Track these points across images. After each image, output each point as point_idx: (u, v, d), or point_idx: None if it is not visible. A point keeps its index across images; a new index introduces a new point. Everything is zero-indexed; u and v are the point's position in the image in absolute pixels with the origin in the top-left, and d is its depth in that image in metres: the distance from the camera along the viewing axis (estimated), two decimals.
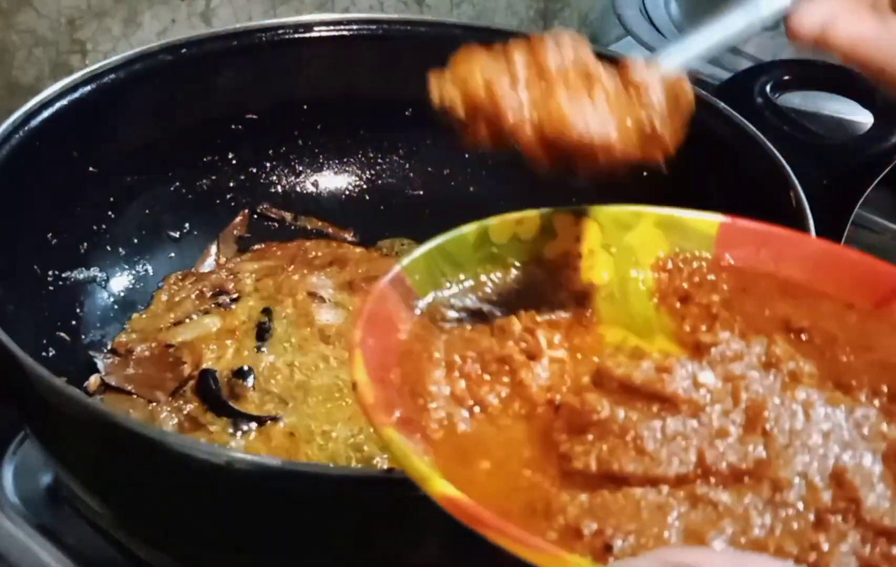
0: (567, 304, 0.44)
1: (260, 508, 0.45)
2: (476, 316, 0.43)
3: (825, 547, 0.32)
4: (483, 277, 0.45)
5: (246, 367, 0.64)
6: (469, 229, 0.45)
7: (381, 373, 0.37)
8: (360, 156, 0.80)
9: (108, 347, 0.65)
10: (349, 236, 0.78)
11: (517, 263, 0.46)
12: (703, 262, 0.46)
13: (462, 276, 0.44)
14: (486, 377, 0.39)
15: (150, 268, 0.71)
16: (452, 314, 0.43)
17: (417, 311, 0.42)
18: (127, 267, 0.70)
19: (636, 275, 0.46)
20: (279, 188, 0.78)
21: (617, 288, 0.45)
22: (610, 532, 0.32)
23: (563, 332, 0.42)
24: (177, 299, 0.69)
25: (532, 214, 0.47)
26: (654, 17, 0.98)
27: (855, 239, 0.86)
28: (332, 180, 0.80)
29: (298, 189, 0.79)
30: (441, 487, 0.33)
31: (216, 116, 0.75)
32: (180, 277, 0.71)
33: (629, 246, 0.47)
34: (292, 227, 0.78)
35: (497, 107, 0.45)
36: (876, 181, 0.67)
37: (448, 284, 0.44)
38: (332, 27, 0.77)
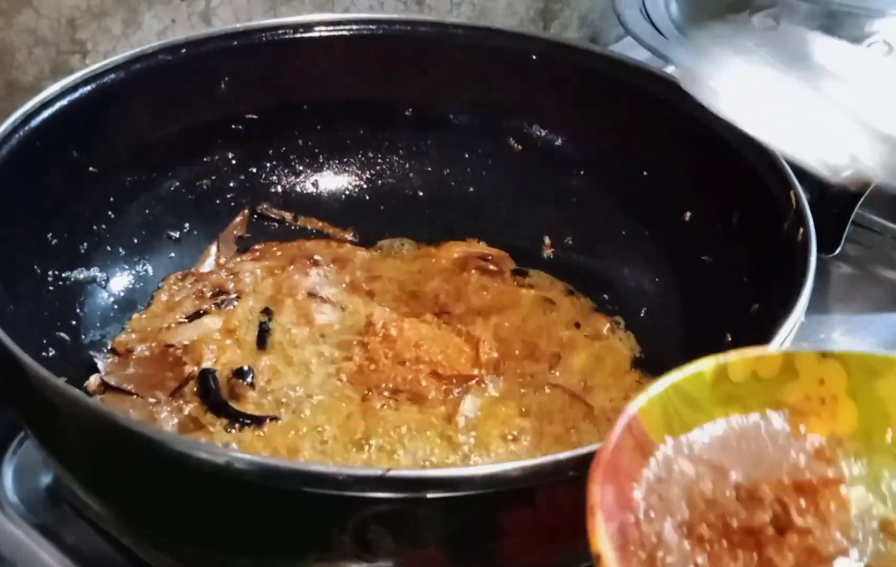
0: (809, 458, 0.41)
1: (260, 508, 0.45)
2: (716, 470, 0.40)
3: None
4: (720, 421, 0.41)
5: (246, 367, 0.64)
6: (706, 366, 0.43)
7: (622, 539, 0.35)
8: (360, 156, 0.80)
9: (108, 347, 0.65)
10: (349, 236, 0.78)
11: (756, 406, 0.42)
12: None
13: (698, 419, 0.41)
14: (732, 550, 0.36)
15: (150, 268, 0.71)
16: (689, 468, 0.39)
17: (653, 464, 0.39)
18: (127, 267, 0.70)
19: (884, 430, 0.42)
20: (279, 188, 0.78)
21: (862, 443, 0.42)
22: None
23: (809, 496, 0.39)
24: (177, 299, 0.69)
25: (773, 353, 0.44)
26: (654, 17, 0.98)
27: (855, 239, 0.86)
28: (332, 180, 0.80)
29: (298, 189, 0.79)
30: None
31: (216, 116, 0.75)
32: (180, 277, 0.71)
33: (878, 396, 0.42)
34: (292, 227, 0.78)
35: None
36: (876, 181, 0.67)
37: (684, 429, 0.41)
38: (332, 27, 0.77)
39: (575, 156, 0.77)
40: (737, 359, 0.43)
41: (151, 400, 0.61)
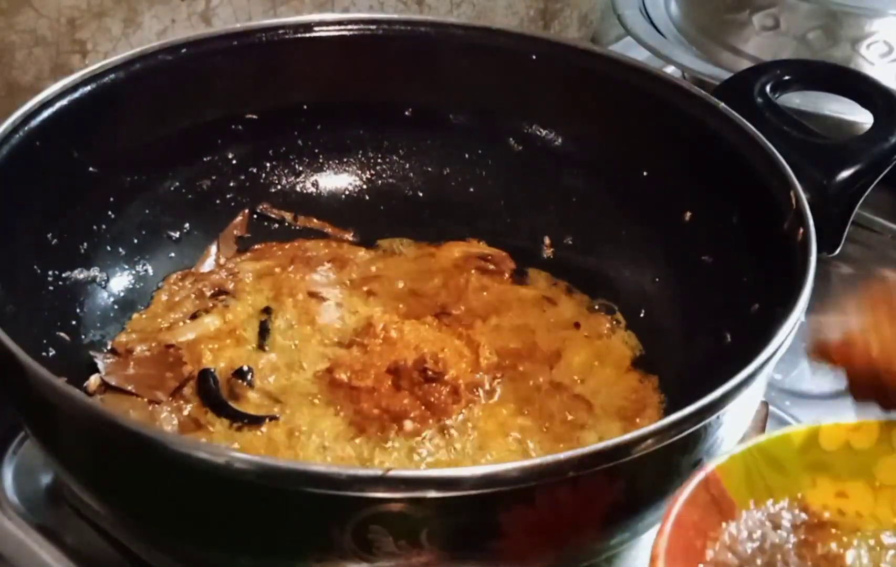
0: None
1: (260, 508, 0.45)
2: (806, 547, 0.39)
3: None
4: (808, 489, 0.40)
5: (246, 367, 0.63)
6: (796, 430, 0.42)
7: None
8: (360, 156, 0.80)
9: (108, 347, 0.65)
10: (349, 236, 0.78)
11: (846, 476, 0.41)
12: None
13: (783, 484, 0.40)
14: None
15: (150, 268, 0.71)
16: (771, 536, 0.38)
17: (733, 528, 0.38)
18: (127, 267, 0.70)
19: None
20: (279, 188, 0.78)
21: None
22: None
23: None
24: (177, 299, 0.69)
25: (871, 424, 0.42)
26: (654, 17, 0.98)
27: (855, 239, 0.86)
28: (332, 180, 0.80)
29: (298, 189, 0.79)
30: None
31: (216, 116, 0.75)
32: (180, 277, 0.71)
33: None
34: (292, 227, 0.78)
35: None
36: (876, 181, 0.67)
37: (768, 493, 0.39)
38: (332, 27, 0.77)
39: (575, 156, 0.77)
40: (831, 426, 0.42)
41: (151, 400, 0.61)
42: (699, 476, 0.38)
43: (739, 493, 0.39)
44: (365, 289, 0.72)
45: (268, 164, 0.78)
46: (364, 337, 0.66)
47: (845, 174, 0.66)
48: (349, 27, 0.77)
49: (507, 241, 0.77)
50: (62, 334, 0.63)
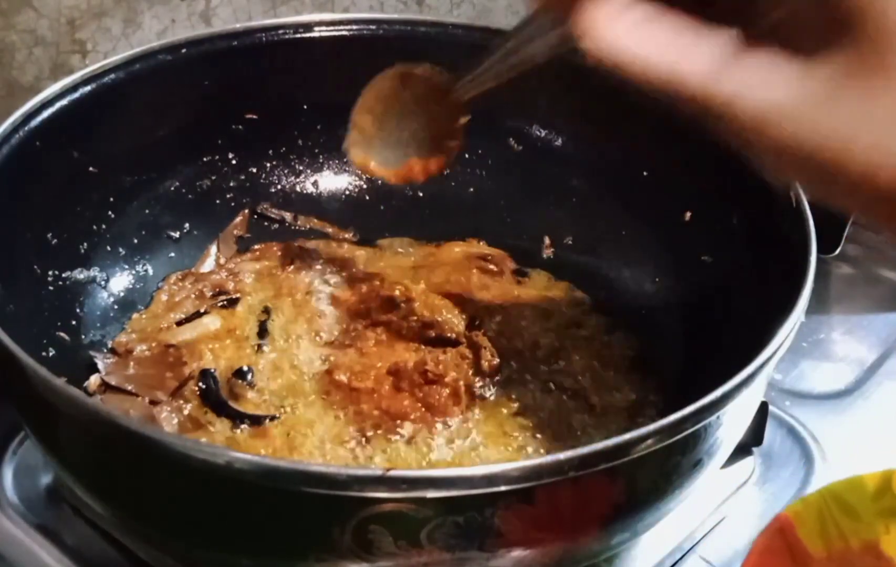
0: None
1: (260, 508, 0.45)
2: None
3: None
4: (882, 536, 0.40)
5: (246, 367, 0.64)
6: (869, 475, 0.41)
7: None
8: None
9: (108, 347, 0.65)
10: (349, 236, 0.78)
11: None
12: None
13: (857, 530, 0.39)
14: None
15: (150, 268, 0.71)
16: None
17: None
18: (127, 267, 0.70)
19: None
20: (279, 188, 0.78)
21: None
22: None
23: None
24: (177, 299, 0.69)
25: None
26: None
27: (855, 239, 0.86)
28: (332, 180, 0.80)
29: (298, 189, 0.79)
30: None
31: (216, 116, 0.75)
32: (180, 277, 0.71)
33: None
34: (292, 227, 0.78)
35: None
36: None
37: (841, 539, 0.38)
38: (332, 27, 0.77)
39: (575, 156, 0.77)
40: None
41: (151, 400, 0.61)
42: (773, 525, 0.37)
43: (813, 540, 0.38)
44: (364, 289, 0.72)
45: (268, 164, 0.78)
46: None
47: None
48: (349, 27, 0.77)
49: (508, 241, 0.77)
50: (62, 334, 0.63)
